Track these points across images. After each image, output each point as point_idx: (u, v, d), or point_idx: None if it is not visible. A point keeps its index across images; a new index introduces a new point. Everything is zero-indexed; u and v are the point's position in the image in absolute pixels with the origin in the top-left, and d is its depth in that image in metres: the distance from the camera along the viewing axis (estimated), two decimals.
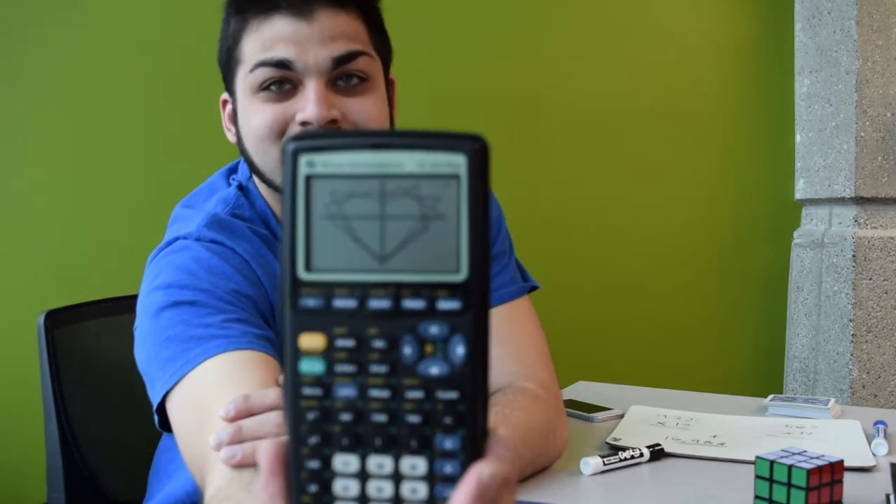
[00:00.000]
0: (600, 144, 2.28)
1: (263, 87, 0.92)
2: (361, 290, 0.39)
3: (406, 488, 0.39)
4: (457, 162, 0.38)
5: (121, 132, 1.66)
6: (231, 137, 1.00)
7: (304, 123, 0.91)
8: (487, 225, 0.38)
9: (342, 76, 0.93)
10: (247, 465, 0.73)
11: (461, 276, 0.38)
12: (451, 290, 0.38)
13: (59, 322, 1.16)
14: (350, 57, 0.92)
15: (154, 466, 1.06)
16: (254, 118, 0.93)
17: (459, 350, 0.38)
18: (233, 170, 1.06)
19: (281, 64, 0.91)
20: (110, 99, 1.64)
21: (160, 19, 1.67)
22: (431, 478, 0.39)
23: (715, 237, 2.51)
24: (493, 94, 2.08)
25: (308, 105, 0.91)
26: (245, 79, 0.94)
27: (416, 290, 0.38)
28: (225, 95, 1.00)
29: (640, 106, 2.33)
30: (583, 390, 1.40)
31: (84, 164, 1.63)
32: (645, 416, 1.20)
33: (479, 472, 0.37)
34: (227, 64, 0.97)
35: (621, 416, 1.22)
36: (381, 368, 0.39)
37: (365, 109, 0.94)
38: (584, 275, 2.26)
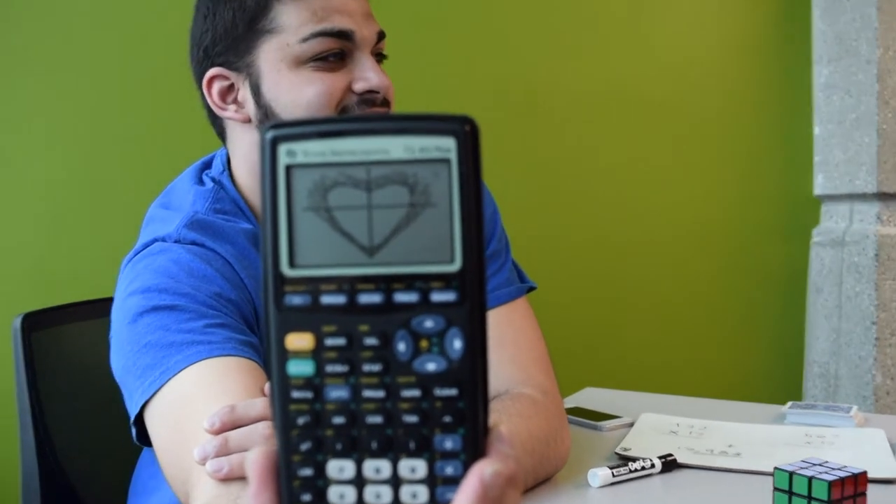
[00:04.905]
0: (606, 139, 2.29)
1: (318, 57, 0.95)
2: (350, 285, 0.39)
3: (406, 492, 0.39)
4: (446, 146, 0.38)
5: (102, 129, 1.66)
6: (233, 115, 1.00)
7: (368, 92, 0.97)
8: (481, 211, 0.39)
9: (374, 53, 1.00)
10: (234, 478, 0.73)
11: (455, 265, 0.39)
12: (446, 280, 0.39)
13: (37, 325, 1.16)
14: (383, 35, 1.01)
15: (134, 482, 1.06)
16: (307, 89, 0.96)
17: (457, 344, 0.39)
18: (206, 165, 1.07)
19: (342, 34, 0.96)
20: (90, 95, 1.64)
21: (140, 14, 1.68)
22: (432, 480, 0.39)
23: (729, 236, 2.51)
24: (489, 87, 2.09)
25: (370, 73, 0.97)
26: (285, 49, 0.95)
27: (409, 282, 0.39)
28: (216, 71, 0.99)
29: (648, 98, 2.34)
30: (590, 397, 1.40)
31: (65, 160, 1.63)
32: (656, 424, 1.20)
33: (482, 472, 0.37)
34: (245, 36, 0.96)
35: (631, 425, 1.22)
36: (374, 367, 0.39)
37: (392, 85, 0.99)
38: (590, 276, 2.26)
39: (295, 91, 0.96)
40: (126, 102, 1.66)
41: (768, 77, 2.56)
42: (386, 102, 0.98)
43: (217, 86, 0.99)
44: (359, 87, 0.96)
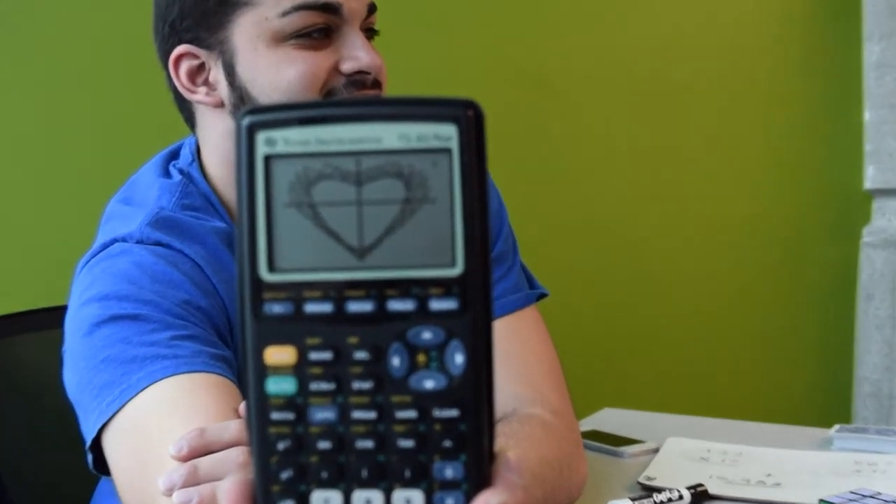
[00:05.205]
0: (628, 126, 2.29)
1: (300, 33, 0.95)
2: (337, 292, 0.39)
3: None
4: (446, 133, 0.39)
5: (52, 118, 1.66)
6: (204, 98, 1.00)
7: (357, 73, 0.97)
8: (486, 207, 0.39)
9: (364, 28, 1.00)
10: None
11: (457, 269, 0.39)
12: (446, 286, 0.39)
13: None
14: (374, 8, 1.01)
15: None
16: (288, 69, 0.96)
17: (458, 358, 0.39)
18: (173, 155, 1.07)
19: (328, 7, 0.95)
20: (40, 82, 1.64)
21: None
22: None
23: (767, 236, 2.51)
24: (494, 67, 2.09)
25: (360, 52, 0.97)
26: (263, 24, 0.95)
27: (404, 288, 0.39)
28: (185, 49, 0.99)
29: (675, 79, 2.34)
30: (609, 419, 1.41)
31: (11, 152, 1.63)
32: (684, 450, 1.21)
33: (487, 503, 0.37)
34: (217, 8, 0.97)
35: (656, 451, 1.22)
36: (364, 385, 0.39)
37: (384, 65, 0.99)
38: (609, 281, 2.27)
39: (273, 72, 0.96)
40: (78, 87, 1.66)
41: (812, 55, 2.55)
42: (377, 84, 0.99)
43: (185, 65, 0.99)
44: (347, 67, 0.97)
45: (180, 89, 1.01)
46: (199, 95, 1.00)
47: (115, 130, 1.68)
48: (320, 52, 0.96)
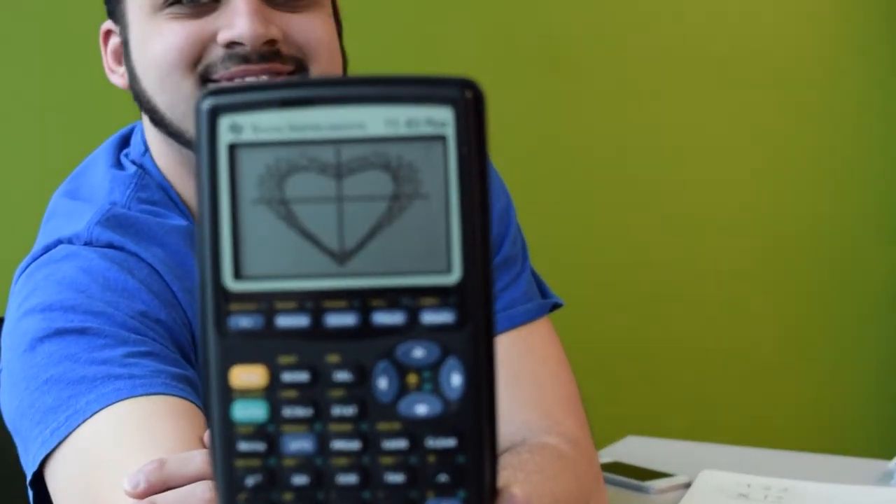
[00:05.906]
0: (656, 111, 2.29)
1: (172, 1, 0.94)
2: (315, 303, 0.39)
3: None
4: (441, 118, 0.39)
5: None
6: (118, 81, 1.02)
7: (231, 44, 0.93)
8: (488, 204, 0.39)
9: None
10: None
11: (453, 276, 0.39)
12: (441, 296, 0.39)
13: None
14: None
15: None
16: (156, 42, 0.95)
17: (455, 379, 0.39)
18: (125, 141, 1.07)
19: None
20: None
21: None
22: None
23: (822, 241, 2.52)
24: (498, 39, 2.09)
25: (237, 19, 0.93)
26: None
27: (392, 298, 0.39)
28: (108, 24, 1.01)
29: (716, 56, 2.34)
30: (633, 449, 1.41)
31: None
32: (720, 484, 1.21)
33: None
34: None
35: (687, 485, 1.22)
36: (346, 410, 0.39)
37: (314, 29, 0.96)
38: (633, 290, 2.26)
39: (148, 46, 0.96)
40: (14, 65, 1.66)
41: (883, 28, 2.55)
42: (268, 58, 0.95)
43: (111, 42, 1.01)
44: (220, 37, 0.94)
45: (105, 69, 1.02)
46: (115, 76, 1.02)
47: (59, 112, 1.67)
48: (198, 20, 0.94)
